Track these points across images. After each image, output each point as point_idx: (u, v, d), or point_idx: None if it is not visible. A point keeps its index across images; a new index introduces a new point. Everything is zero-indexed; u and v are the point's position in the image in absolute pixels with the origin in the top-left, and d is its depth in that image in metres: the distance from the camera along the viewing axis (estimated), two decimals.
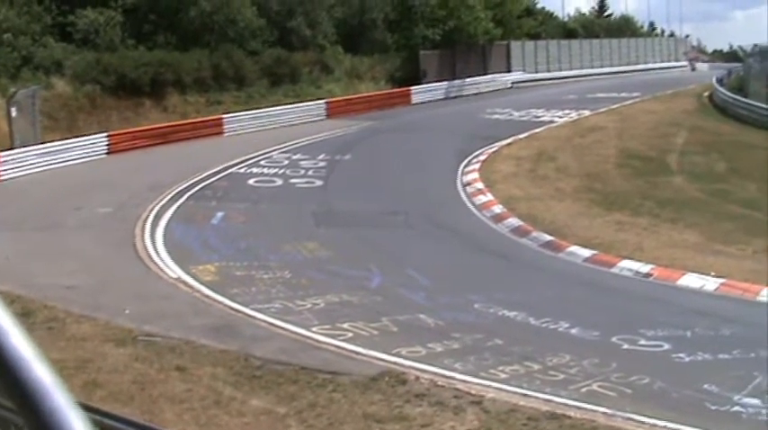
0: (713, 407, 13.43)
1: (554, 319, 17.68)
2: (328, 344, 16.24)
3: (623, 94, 55.19)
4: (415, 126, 45.34)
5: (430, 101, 56.18)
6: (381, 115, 49.31)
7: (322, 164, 35.84)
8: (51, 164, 36.02)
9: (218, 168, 34.51)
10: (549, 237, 25.02)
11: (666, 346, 16.25)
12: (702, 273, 21.09)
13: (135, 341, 16.17)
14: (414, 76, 58.55)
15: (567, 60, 68.99)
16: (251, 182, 32.81)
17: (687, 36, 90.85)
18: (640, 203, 28.81)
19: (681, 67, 78.94)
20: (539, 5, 76.00)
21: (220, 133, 44.61)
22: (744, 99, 47.80)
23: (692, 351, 15.90)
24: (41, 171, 35.12)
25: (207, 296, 19.26)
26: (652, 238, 24.76)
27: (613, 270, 22.18)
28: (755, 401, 13.59)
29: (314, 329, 16.95)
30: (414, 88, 56.73)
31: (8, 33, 42.95)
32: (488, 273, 22.32)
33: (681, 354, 15.79)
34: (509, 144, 39.64)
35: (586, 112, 48.23)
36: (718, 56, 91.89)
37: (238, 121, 45.97)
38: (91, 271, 21.02)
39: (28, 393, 1.08)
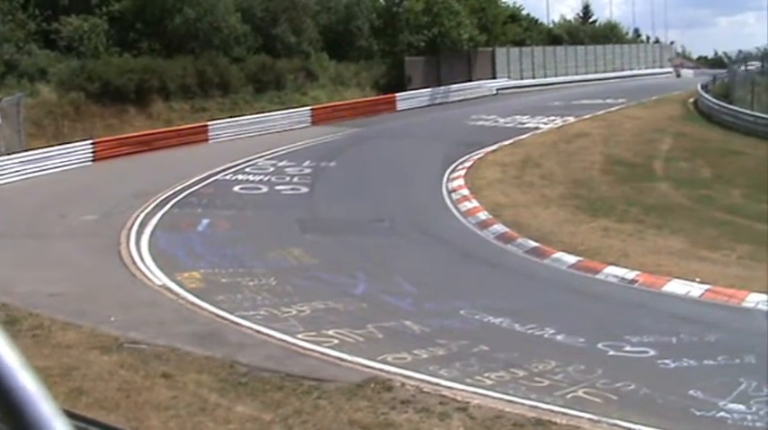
0: (698, 413, 13.45)
1: (540, 326, 17.70)
2: (314, 351, 16.21)
3: (608, 101, 55.32)
4: (400, 133, 45.38)
5: (415, 107, 56.25)
6: (367, 122, 49.34)
7: (307, 170, 35.84)
8: (36, 171, 35.94)
9: (204, 175, 34.49)
10: (534, 244, 25.04)
11: (652, 352, 16.27)
12: (688, 280, 21.13)
13: (120, 348, 16.12)
14: (399, 82, 58.66)
15: (552, 67, 69.15)
16: (236, 189, 32.78)
17: (672, 42, 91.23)
18: (626, 210, 28.85)
19: (666, 73, 79.12)
20: (523, 12, 76.19)
21: (205, 140, 44.58)
22: (729, 105, 47.92)
23: (678, 357, 15.92)
24: (26, 178, 35.05)
25: (192, 303, 19.22)
26: (637, 245, 24.80)
27: (599, 276, 22.20)
28: (741, 407, 13.61)
29: (299, 336, 16.92)
30: (399, 95, 56.83)
31: None
32: (474, 279, 22.32)
33: (666, 360, 15.80)
34: (494, 150, 39.69)
35: (571, 119, 48.34)
36: (703, 62, 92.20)
37: (223, 128, 45.94)
38: (76, 278, 20.97)
39: (13, 402, 1.07)
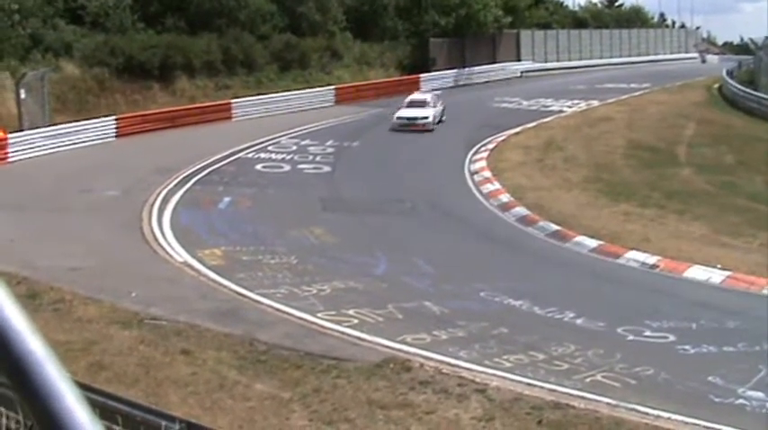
0: (717, 400, 13.43)
1: (559, 309, 17.68)
2: (333, 330, 16.27)
3: (633, 85, 55.10)
4: None
5: (439, 88, 56.10)
6: (390, 102, 49.11)
7: (330, 150, 35.85)
8: (60, 146, 35.96)
9: (226, 153, 34.51)
10: (555, 227, 24.99)
11: (672, 338, 16.24)
12: (708, 266, 21.05)
13: (141, 324, 16.20)
14: (423, 63, 58.51)
15: (576, 50, 68.88)
16: (259, 167, 32.80)
17: (698, 28, 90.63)
18: (648, 194, 28.74)
19: (691, 58, 78.61)
20: None
21: (229, 118, 44.55)
22: (754, 92, 47.65)
23: (698, 343, 15.89)
24: (50, 153, 35.08)
25: (213, 280, 19.29)
26: (659, 230, 24.71)
27: (620, 260, 22.16)
28: (760, 394, 13.58)
29: (319, 315, 16.98)
30: (423, 76, 56.66)
31: (20, 15, 42.73)
32: (494, 261, 22.30)
33: (686, 346, 15.78)
34: (517, 133, 39.61)
35: (595, 103, 48.17)
36: (729, 48, 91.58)
37: (247, 106, 45.89)
38: (97, 253, 21.04)
39: (20, 366, 1.07)
